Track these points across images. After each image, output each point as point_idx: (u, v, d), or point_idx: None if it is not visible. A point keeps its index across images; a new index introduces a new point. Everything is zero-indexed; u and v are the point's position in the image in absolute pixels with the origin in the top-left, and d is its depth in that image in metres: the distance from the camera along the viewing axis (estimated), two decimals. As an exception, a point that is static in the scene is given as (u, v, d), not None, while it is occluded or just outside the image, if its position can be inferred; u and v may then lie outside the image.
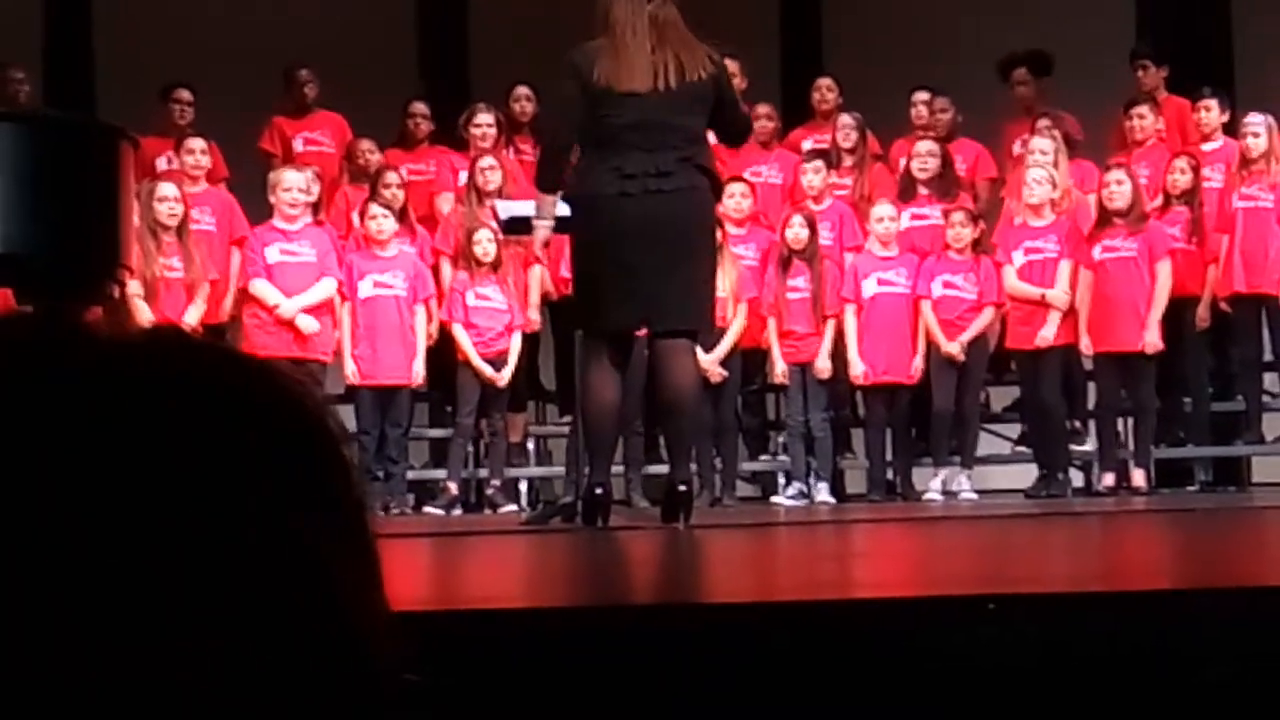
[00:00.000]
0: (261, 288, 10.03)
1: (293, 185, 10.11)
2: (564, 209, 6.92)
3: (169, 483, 0.74)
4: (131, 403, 0.75)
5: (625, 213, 6.53)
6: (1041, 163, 10.14)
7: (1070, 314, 10.07)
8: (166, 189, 9.85)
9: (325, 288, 10.08)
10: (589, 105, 6.60)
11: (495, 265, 10.31)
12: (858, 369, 10.32)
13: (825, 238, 10.52)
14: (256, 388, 0.80)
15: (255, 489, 0.76)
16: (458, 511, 10.27)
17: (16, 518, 0.72)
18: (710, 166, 6.84)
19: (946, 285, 10.26)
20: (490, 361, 10.29)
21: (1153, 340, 9.94)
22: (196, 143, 10.51)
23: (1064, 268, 10.06)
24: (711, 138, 6.97)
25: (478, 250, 10.27)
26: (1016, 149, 10.97)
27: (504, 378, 10.29)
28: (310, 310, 10.01)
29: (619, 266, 6.56)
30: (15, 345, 0.78)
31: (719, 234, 10.07)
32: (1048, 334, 10.01)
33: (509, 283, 10.38)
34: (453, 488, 10.39)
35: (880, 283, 10.35)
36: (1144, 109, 10.85)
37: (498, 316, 10.34)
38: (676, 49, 6.60)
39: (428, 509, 10.28)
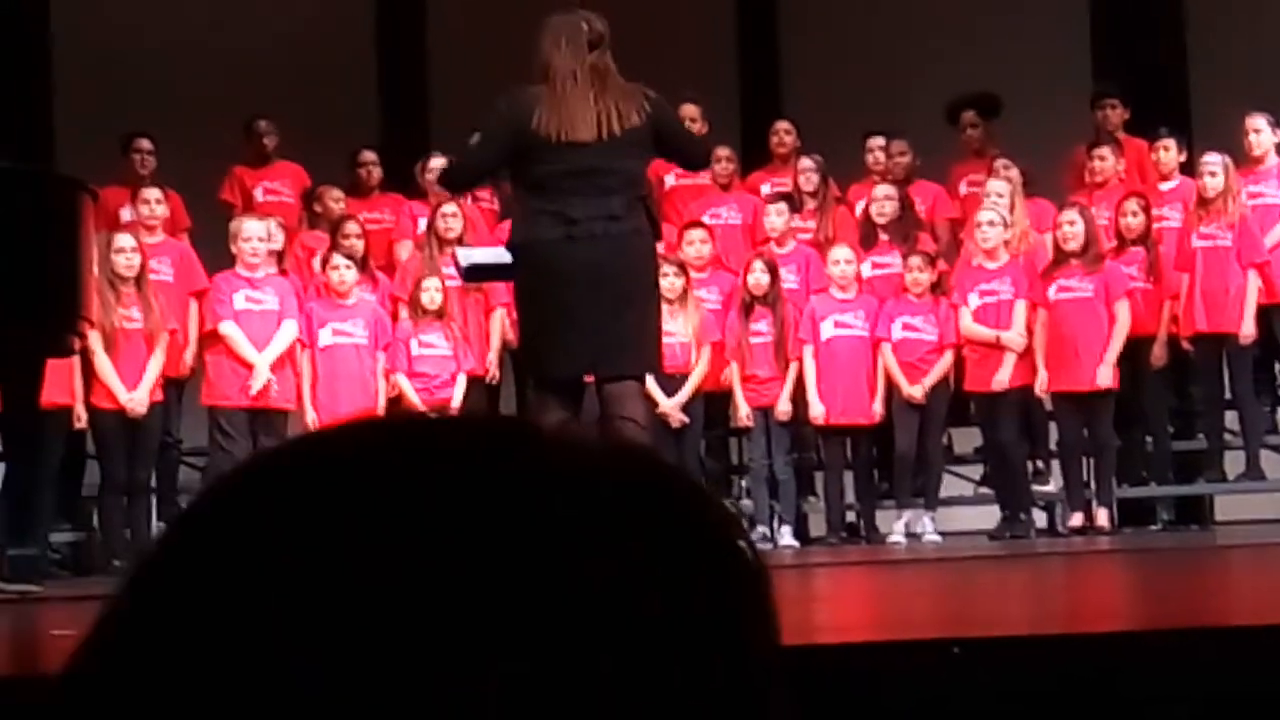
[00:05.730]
0: (231, 330, 9.95)
1: (253, 235, 10.06)
2: (506, 256, 6.88)
3: (626, 603, 0.74)
4: (591, 516, 0.75)
5: (569, 257, 6.45)
6: (994, 205, 10.16)
7: (1028, 354, 10.07)
8: (124, 240, 9.79)
9: (288, 333, 10.02)
10: (526, 151, 6.52)
11: (440, 313, 10.30)
12: (816, 410, 10.31)
13: (791, 281, 10.53)
14: (713, 522, 0.80)
15: (703, 626, 0.76)
16: None
17: (473, 614, 0.72)
18: (651, 208, 6.82)
19: (906, 328, 10.26)
20: (436, 410, 10.25)
21: (1105, 377, 9.94)
22: (152, 192, 10.46)
23: (1019, 309, 10.07)
24: (671, 179, 6.95)
25: (424, 298, 10.26)
26: (963, 189, 11.00)
27: None
28: (276, 361, 9.97)
29: (564, 312, 6.47)
30: (477, 441, 0.79)
31: (684, 280, 10.14)
32: (1003, 377, 10.00)
33: (454, 329, 10.35)
34: None
35: (837, 325, 10.34)
36: (1105, 150, 10.88)
37: (443, 364, 10.32)
38: (615, 97, 6.55)
39: None
